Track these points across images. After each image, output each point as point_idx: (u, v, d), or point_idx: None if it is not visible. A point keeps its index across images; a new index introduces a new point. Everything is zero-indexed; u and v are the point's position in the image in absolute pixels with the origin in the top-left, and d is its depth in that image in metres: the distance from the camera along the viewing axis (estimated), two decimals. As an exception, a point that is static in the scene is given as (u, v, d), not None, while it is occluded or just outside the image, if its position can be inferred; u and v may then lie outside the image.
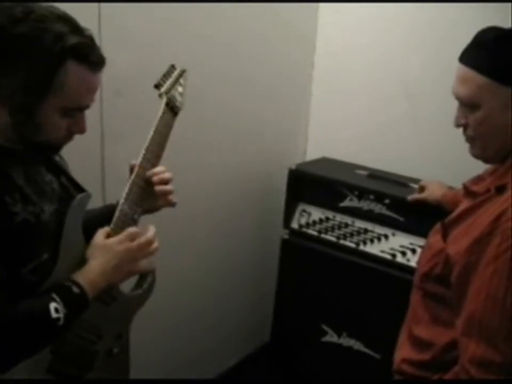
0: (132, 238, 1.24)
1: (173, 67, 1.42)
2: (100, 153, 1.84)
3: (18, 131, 1.09)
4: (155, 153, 1.33)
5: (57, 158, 1.29)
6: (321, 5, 2.61)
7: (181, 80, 1.42)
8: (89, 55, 1.08)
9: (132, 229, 1.26)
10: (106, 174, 1.87)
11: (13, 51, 1.03)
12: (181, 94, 1.41)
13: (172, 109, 1.37)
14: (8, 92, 1.05)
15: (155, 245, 1.29)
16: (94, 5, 1.68)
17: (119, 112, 1.84)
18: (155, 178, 1.33)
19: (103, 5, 1.70)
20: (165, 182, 1.36)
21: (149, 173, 1.33)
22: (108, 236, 1.23)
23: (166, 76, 1.39)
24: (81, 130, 1.17)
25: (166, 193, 1.38)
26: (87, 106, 1.15)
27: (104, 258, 1.20)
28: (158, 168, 1.35)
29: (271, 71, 2.50)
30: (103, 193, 1.84)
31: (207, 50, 2.10)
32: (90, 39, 1.11)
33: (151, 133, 1.32)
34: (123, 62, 1.76)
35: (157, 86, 1.36)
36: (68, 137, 1.16)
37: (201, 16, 2.05)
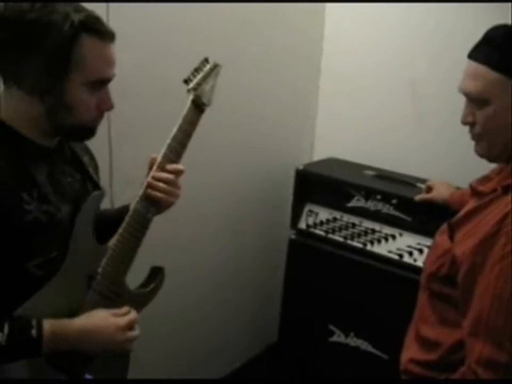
0: (131, 326, 1.25)
1: (206, 61, 1.35)
2: (107, 154, 1.85)
3: (52, 117, 1.12)
4: (176, 151, 1.30)
5: (85, 159, 1.31)
6: (328, 5, 2.61)
7: (212, 76, 1.36)
8: (98, 27, 1.11)
9: (134, 315, 1.26)
10: (114, 175, 1.88)
11: (28, 39, 1.06)
12: (210, 90, 1.35)
13: (198, 106, 1.33)
14: (34, 80, 1.08)
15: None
16: (102, 5, 1.69)
17: (126, 113, 1.84)
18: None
19: (111, 5, 1.71)
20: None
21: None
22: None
23: (198, 70, 1.33)
24: (110, 106, 1.20)
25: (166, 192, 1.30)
26: (108, 79, 1.17)
27: (95, 337, 1.19)
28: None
29: (278, 72, 2.50)
30: (110, 193, 1.85)
31: (213, 52, 2.07)
32: (94, 14, 1.13)
33: (174, 130, 1.29)
34: (131, 63, 1.76)
35: (186, 81, 1.32)
36: (99, 116, 1.19)
37: (208, 17, 2.05)
